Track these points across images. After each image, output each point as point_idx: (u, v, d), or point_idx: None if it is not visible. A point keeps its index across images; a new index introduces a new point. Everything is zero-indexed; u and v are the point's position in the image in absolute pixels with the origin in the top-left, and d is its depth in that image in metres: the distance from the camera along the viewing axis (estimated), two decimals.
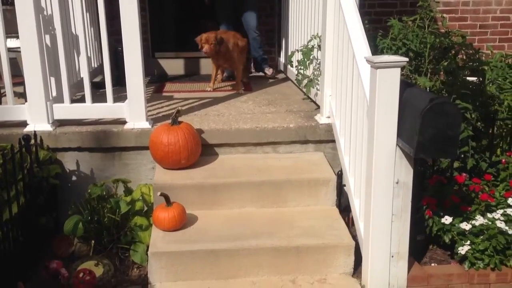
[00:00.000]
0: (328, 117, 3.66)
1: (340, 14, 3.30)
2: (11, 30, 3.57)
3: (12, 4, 3.38)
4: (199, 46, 4.79)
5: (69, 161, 3.55)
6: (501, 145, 3.65)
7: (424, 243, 3.19)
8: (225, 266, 2.92)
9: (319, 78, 3.89)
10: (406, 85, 2.66)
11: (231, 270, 2.93)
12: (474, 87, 3.57)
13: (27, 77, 3.44)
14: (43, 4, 3.66)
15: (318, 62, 3.96)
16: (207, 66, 5.72)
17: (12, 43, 3.82)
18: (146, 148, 3.49)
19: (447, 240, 3.02)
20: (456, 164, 3.45)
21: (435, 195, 3.17)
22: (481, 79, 3.66)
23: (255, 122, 3.72)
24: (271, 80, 5.40)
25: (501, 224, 2.98)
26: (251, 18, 5.35)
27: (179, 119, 3.53)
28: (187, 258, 2.89)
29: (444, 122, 2.43)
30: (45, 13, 3.70)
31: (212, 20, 5.62)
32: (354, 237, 3.02)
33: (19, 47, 3.44)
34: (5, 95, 3.62)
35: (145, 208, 3.35)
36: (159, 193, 3.10)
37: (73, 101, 3.70)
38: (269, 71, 5.55)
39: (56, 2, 3.48)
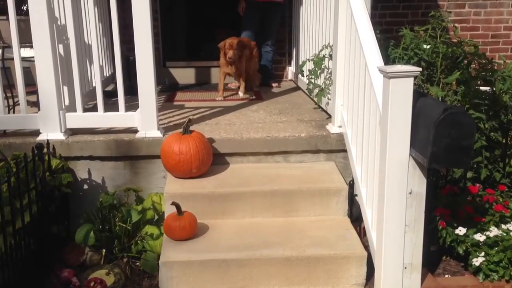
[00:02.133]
0: (340, 127, 3.65)
1: (352, 23, 3.30)
2: (25, 40, 3.61)
3: (27, 14, 3.43)
4: (222, 52, 4.83)
5: (81, 169, 3.57)
6: None
7: (437, 254, 3.15)
8: (236, 276, 2.90)
9: (330, 88, 3.89)
10: (419, 94, 2.65)
11: (242, 280, 2.91)
12: (487, 97, 3.54)
13: (40, 86, 3.47)
14: (57, 14, 3.71)
15: (329, 72, 3.96)
16: (217, 75, 5.74)
17: (26, 52, 3.86)
18: (158, 157, 3.50)
19: (461, 252, 2.98)
20: (469, 174, 3.41)
21: (448, 206, 3.14)
22: (494, 89, 3.63)
23: (266, 131, 3.71)
24: (281, 90, 5.41)
25: None
26: (271, 34, 5.49)
27: (191, 128, 3.54)
28: (198, 268, 2.88)
29: (458, 132, 2.41)
30: (58, 23, 3.74)
31: (227, 28, 5.66)
32: (366, 247, 3.00)
33: (33, 57, 3.47)
34: (18, 104, 3.66)
35: (156, 217, 3.35)
36: (170, 202, 3.10)
37: (85, 110, 3.73)
38: (274, 84, 5.60)
39: (69, 12, 3.51)
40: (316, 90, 4.13)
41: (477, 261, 2.90)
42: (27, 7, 3.38)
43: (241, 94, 5.00)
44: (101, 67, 4.53)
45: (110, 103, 4.10)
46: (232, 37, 4.90)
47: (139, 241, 3.21)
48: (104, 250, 3.22)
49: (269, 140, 3.62)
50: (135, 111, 3.60)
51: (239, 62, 4.90)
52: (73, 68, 3.57)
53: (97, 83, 3.66)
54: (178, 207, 3.08)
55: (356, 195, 3.28)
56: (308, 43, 4.83)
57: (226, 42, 4.83)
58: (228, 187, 3.33)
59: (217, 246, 3.00)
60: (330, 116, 3.87)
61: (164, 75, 5.90)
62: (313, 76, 4.16)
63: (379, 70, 2.66)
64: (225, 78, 5.11)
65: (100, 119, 3.62)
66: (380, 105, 2.70)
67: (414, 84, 2.59)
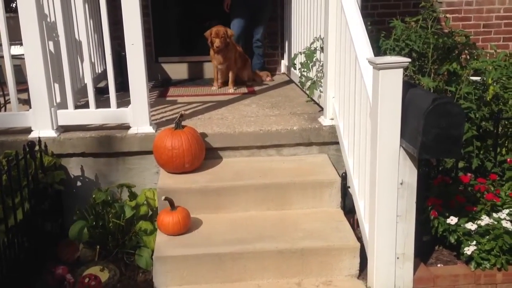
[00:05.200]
0: (332, 119, 3.66)
1: (342, 16, 3.30)
2: (15, 37, 3.60)
3: (16, 11, 3.41)
4: (208, 41, 4.82)
5: (73, 166, 3.56)
6: (506, 144, 3.62)
7: (429, 243, 3.17)
8: (230, 270, 2.91)
9: (322, 80, 3.89)
10: (409, 85, 2.65)
11: (236, 273, 2.92)
12: (478, 87, 3.56)
13: (31, 83, 3.46)
14: (46, 11, 3.69)
15: (321, 64, 3.96)
16: (210, 70, 5.73)
17: (16, 50, 3.84)
18: (150, 152, 3.50)
19: (452, 241, 3.00)
20: (461, 164, 3.43)
21: (440, 196, 3.15)
22: (485, 79, 3.64)
23: (259, 125, 3.72)
24: (274, 83, 5.40)
25: (507, 224, 2.96)
26: (259, 30, 5.48)
27: (183, 123, 3.54)
28: (192, 262, 2.89)
29: (448, 122, 2.42)
30: (48, 20, 3.72)
31: (216, 20, 5.65)
32: (359, 238, 3.01)
33: (23, 54, 3.46)
34: (9, 102, 3.65)
35: (150, 213, 3.35)
36: (163, 198, 3.10)
37: (77, 107, 3.72)
38: (265, 76, 5.56)
39: (59, 8, 3.50)
40: (308, 83, 4.14)
41: (469, 250, 2.92)
42: (16, 4, 3.36)
43: (231, 89, 4.99)
44: (92, 64, 4.51)
45: (103, 100, 4.10)
46: (218, 25, 4.87)
47: (133, 237, 3.22)
48: (98, 247, 3.23)
49: (262, 133, 3.62)
50: (127, 107, 3.60)
51: (226, 51, 4.88)
52: (64, 65, 3.57)
53: (88, 79, 3.65)
54: (171, 202, 3.09)
55: (349, 187, 3.29)
56: (300, 36, 4.82)
57: (212, 30, 4.79)
58: (221, 181, 3.34)
59: (211, 240, 3.01)
60: (322, 109, 3.88)
61: (157, 70, 5.88)
62: (305, 69, 4.16)
63: (369, 61, 2.67)
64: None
65: (92, 115, 3.62)
66: (371, 96, 2.70)
67: (406, 75, 2.60)
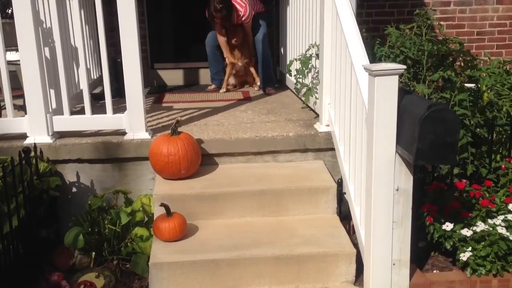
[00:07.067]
0: (327, 126, 3.67)
1: (337, 23, 3.32)
2: (11, 43, 3.59)
3: (11, 17, 3.41)
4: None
5: (69, 172, 3.55)
6: (500, 151, 3.65)
7: (425, 250, 3.18)
8: (226, 276, 2.91)
9: (317, 87, 3.90)
10: (404, 92, 2.67)
11: (232, 279, 2.92)
12: (472, 94, 3.58)
13: (26, 89, 3.46)
14: (42, 17, 3.69)
15: (316, 71, 3.98)
16: (206, 76, 5.76)
17: (11, 56, 3.84)
18: (146, 158, 3.49)
19: (448, 247, 3.01)
20: (456, 171, 3.44)
21: (436, 202, 3.17)
22: (479, 86, 3.67)
23: (255, 131, 3.72)
24: None
25: (502, 230, 2.97)
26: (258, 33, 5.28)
27: (179, 129, 3.54)
28: (188, 268, 2.88)
29: (443, 128, 2.43)
30: (44, 25, 3.73)
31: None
32: (356, 245, 3.01)
33: (19, 60, 3.45)
34: (5, 108, 3.63)
35: (146, 219, 3.34)
36: (159, 204, 3.10)
37: (73, 112, 3.71)
38: (270, 91, 5.24)
39: (55, 14, 3.50)
40: (304, 90, 4.15)
41: (464, 256, 2.93)
42: (12, 10, 3.35)
43: (255, 87, 5.35)
44: (88, 70, 4.51)
45: (98, 106, 4.10)
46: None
47: (129, 243, 3.21)
48: (93, 253, 3.21)
49: (258, 140, 3.63)
50: (123, 113, 3.59)
51: (244, 46, 5.19)
52: (60, 71, 3.56)
53: (84, 85, 3.65)
54: (167, 208, 3.08)
55: (345, 193, 3.29)
56: (296, 42, 4.84)
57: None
58: (217, 188, 3.33)
59: (207, 246, 3.00)
60: (318, 115, 3.89)
61: (152, 76, 5.89)
62: (300, 76, 4.18)
63: (364, 68, 2.68)
64: (232, 67, 5.31)
65: (88, 121, 3.61)
66: (366, 103, 2.72)
67: (401, 82, 2.61)
